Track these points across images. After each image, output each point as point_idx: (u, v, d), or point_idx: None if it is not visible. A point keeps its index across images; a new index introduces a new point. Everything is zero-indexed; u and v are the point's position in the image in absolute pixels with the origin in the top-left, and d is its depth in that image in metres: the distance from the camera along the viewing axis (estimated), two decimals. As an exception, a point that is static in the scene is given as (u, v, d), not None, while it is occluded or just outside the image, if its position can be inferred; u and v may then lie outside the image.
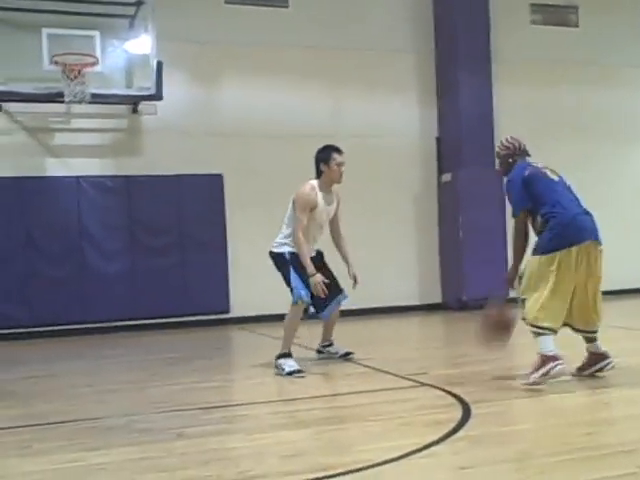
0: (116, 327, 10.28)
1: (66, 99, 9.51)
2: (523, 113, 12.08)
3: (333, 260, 6.66)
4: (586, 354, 5.36)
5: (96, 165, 10.52)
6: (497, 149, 5.62)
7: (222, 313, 10.79)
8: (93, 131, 10.55)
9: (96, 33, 9.83)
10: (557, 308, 5.05)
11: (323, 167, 6.34)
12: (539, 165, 5.36)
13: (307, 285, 6.12)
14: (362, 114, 11.56)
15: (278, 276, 6.39)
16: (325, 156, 6.34)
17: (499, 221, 11.50)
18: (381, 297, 11.46)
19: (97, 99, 9.78)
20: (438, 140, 12.06)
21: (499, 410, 4.67)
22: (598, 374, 5.32)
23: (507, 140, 5.53)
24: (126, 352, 8.46)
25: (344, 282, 6.58)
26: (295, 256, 6.22)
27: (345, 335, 9.30)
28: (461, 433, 4.02)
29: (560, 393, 4.99)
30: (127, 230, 10.48)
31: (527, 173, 5.23)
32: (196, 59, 10.91)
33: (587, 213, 5.22)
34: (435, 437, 3.90)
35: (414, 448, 3.71)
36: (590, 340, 5.31)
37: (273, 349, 7.15)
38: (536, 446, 3.75)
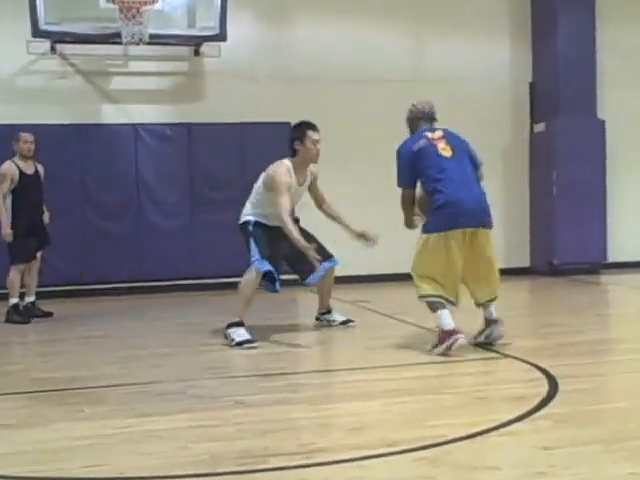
0: (174, 286, 10.46)
1: (123, 40, 9.61)
2: (631, 55, 11.66)
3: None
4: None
5: (155, 112, 10.63)
6: None
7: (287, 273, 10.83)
8: (151, 75, 10.64)
9: (156, -32, 9.91)
10: (444, 281, 5.52)
11: (298, 146, 6.40)
12: (435, 137, 5.68)
13: (266, 257, 6.27)
14: (446, 56, 11.32)
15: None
16: (299, 134, 6.40)
17: (598, 177, 11.25)
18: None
19: (156, 40, 9.85)
20: (531, 85, 11.75)
21: (589, 387, 4.61)
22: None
23: (412, 104, 5.92)
24: (184, 313, 8.63)
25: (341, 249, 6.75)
26: (257, 226, 6.42)
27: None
28: (545, 410, 3.99)
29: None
30: (186, 182, 10.60)
31: (416, 148, 5.63)
32: (263, -5, 10.87)
33: (475, 196, 5.63)
34: (516, 414, 3.88)
35: (492, 425, 3.70)
36: (486, 307, 5.84)
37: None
38: (628, 427, 3.69)
